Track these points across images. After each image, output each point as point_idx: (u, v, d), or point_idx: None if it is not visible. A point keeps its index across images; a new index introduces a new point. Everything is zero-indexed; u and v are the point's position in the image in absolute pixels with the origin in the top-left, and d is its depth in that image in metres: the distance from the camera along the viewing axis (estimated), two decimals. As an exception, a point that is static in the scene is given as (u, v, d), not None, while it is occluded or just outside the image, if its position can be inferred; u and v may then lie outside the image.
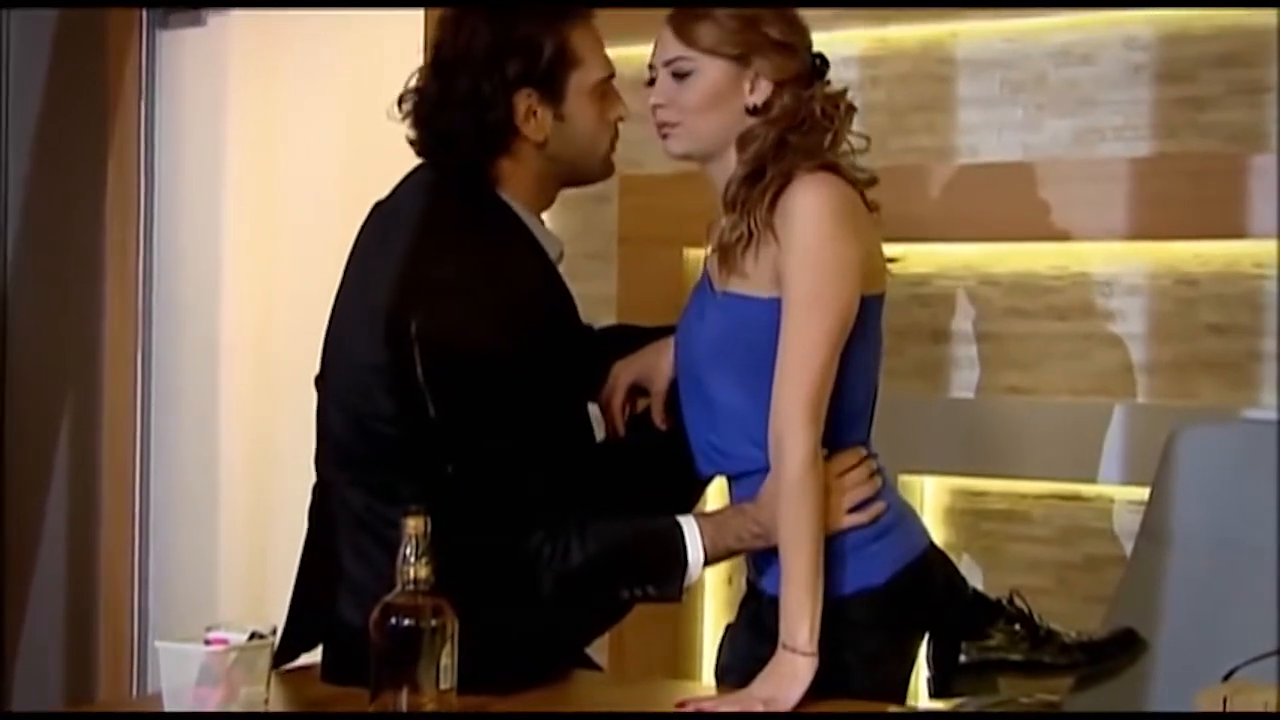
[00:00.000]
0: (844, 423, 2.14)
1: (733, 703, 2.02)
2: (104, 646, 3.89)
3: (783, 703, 2.00)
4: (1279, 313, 2.77)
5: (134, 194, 3.88)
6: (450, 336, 2.07)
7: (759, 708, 1.99)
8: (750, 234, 2.11)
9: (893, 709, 2.06)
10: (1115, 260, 2.92)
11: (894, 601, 2.16)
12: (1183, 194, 2.79)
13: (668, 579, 2.15)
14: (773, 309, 2.09)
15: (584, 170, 2.28)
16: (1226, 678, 1.91)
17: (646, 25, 2.24)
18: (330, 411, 2.22)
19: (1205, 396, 2.84)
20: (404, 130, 2.23)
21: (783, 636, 2.03)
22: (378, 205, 2.29)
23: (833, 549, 2.10)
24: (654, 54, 2.20)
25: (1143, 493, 2.51)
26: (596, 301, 3.37)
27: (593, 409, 2.33)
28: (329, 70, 3.72)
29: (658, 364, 2.32)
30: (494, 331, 2.09)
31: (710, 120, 2.17)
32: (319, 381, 2.27)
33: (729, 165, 2.17)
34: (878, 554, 2.16)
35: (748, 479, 2.19)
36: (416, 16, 3.33)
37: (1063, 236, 2.90)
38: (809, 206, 2.07)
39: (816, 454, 2.05)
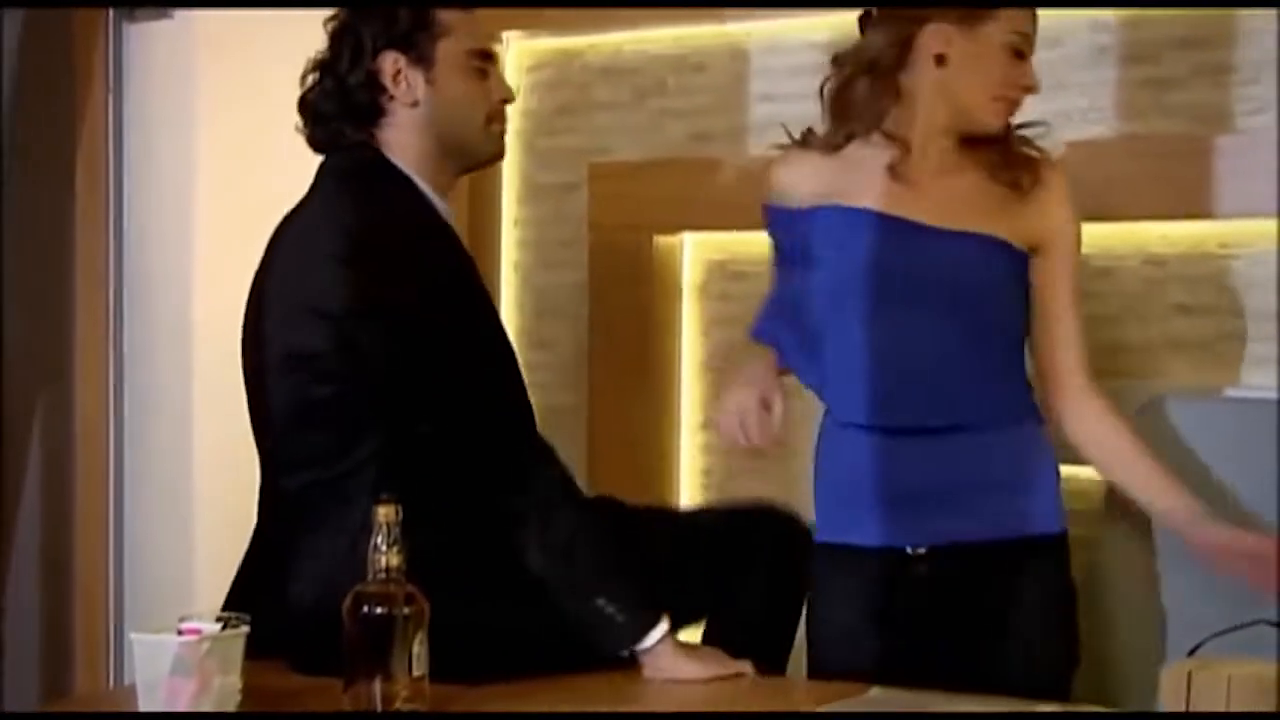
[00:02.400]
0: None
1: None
2: (79, 639, 3.88)
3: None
4: (1279, 294, 2.78)
5: (103, 189, 3.85)
6: (371, 283, 2.10)
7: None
8: (1015, 187, 2.27)
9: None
10: (1083, 241, 2.92)
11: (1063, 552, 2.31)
12: (1149, 175, 2.81)
13: (636, 609, 2.12)
14: (1010, 257, 2.26)
15: (467, 142, 2.29)
16: (1191, 653, 1.92)
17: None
18: (278, 424, 2.21)
19: (1173, 376, 2.85)
20: None
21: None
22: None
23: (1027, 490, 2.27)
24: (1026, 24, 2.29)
25: (1112, 472, 2.52)
26: (568, 288, 3.38)
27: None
28: (300, 60, 3.71)
29: (769, 377, 2.32)
30: (410, 266, 2.12)
31: None
32: (256, 425, 2.26)
33: None
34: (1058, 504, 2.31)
35: (920, 436, 2.25)
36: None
37: (1031, 218, 2.90)
38: (1066, 187, 2.31)
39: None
